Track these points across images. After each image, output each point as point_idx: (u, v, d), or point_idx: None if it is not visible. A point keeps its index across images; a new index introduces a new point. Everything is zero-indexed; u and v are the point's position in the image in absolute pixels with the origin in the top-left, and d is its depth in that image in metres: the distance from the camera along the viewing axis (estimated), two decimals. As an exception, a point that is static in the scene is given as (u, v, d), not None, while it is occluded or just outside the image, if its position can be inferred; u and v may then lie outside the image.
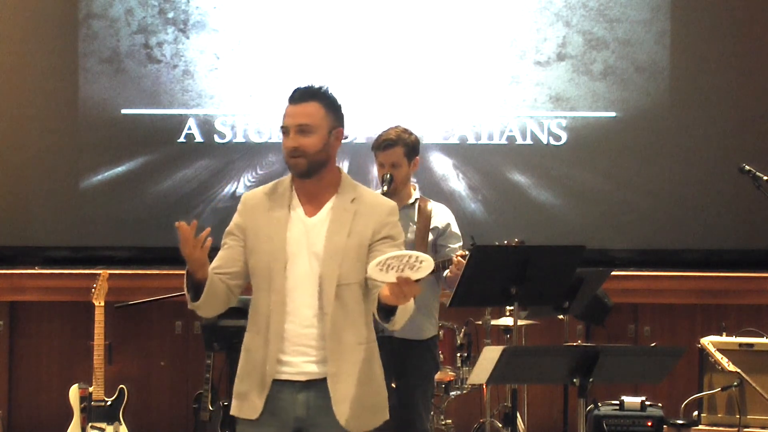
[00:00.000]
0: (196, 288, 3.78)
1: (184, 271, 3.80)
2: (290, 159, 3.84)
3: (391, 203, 3.98)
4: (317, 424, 3.80)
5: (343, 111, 3.95)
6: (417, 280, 3.50)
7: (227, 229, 3.96)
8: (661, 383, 4.83)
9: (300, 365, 3.80)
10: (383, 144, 5.46)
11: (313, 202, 3.88)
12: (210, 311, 3.90)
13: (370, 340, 3.88)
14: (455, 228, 5.60)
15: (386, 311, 3.70)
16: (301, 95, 3.87)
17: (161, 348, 7.61)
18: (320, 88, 3.89)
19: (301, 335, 3.80)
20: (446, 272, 5.43)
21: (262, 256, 3.84)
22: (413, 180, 5.72)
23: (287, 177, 3.94)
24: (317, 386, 3.80)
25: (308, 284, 3.81)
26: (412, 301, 3.69)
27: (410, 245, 5.52)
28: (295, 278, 3.81)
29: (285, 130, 3.86)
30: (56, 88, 8.08)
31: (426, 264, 3.44)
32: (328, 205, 3.88)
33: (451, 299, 5.33)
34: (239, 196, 8.67)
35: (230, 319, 6.37)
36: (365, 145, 7.89)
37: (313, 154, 3.83)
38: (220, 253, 3.92)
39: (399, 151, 5.44)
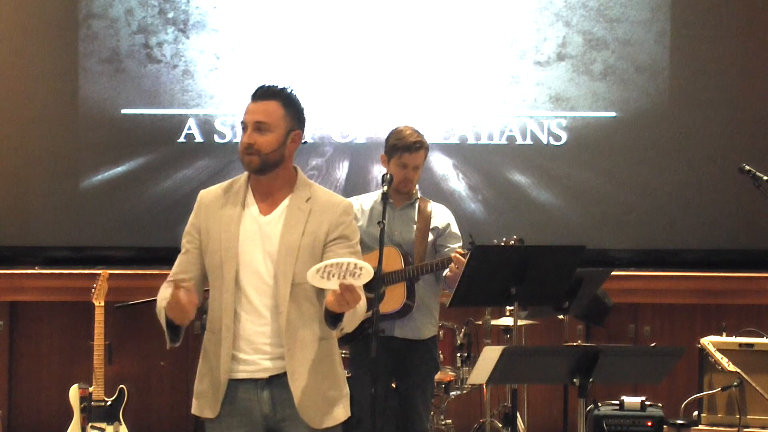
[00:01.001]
0: (175, 328, 3.80)
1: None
2: (244, 155, 3.85)
3: (345, 202, 3.96)
4: (285, 418, 3.81)
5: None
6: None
7: (185, 229, 3.96)
8: (661, 383, 4.83)
9: (258, 363, 3.80)
10: (415, 146, 5.44)
11: (267, 201, 3.88)
12: None
13: (327, 336, 3.86)
14: (455, 228, 5.61)
15: (333, 318, 3.72)
16: (263, 93, 3.89)
17: (161, 348, 7.54)
18: (284, 88, 3.89)
19: (257, 333, 3.80)
20: (446, 271, 5.43)
21: (215, 255, 3.84)
22: None
23: (244, 175, 3.94)
24: (279, 381, 3.80)
25: (262, 283, 3.81)
26: (363, 303, 3.72)
27: (410, 245, 5.53)
28: (248, 277, 3.81)
29: (243, 125, 3.88)
30: (56, 88, 8.08)
31: (366, 271, 3.48)
32: (283, 204, 3.87)
33: (451, 299, 5.33)
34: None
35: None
36: (365, 145, 7.91)
37: (266, 153, 3.82)
38: (179, 258, 3.93)
39: (423, 153, 5.48)
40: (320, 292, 3.79)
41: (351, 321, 3.76)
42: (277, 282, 3.79)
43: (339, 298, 3.55)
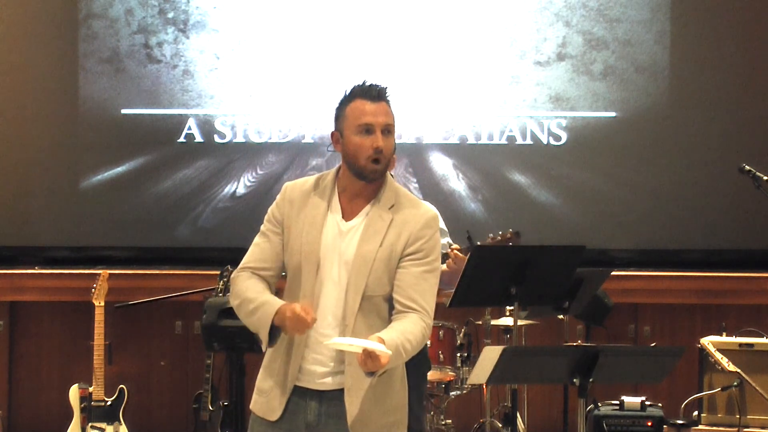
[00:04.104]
0: (275, 331, 3.65)
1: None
2: (372, 162, 3.64)
3: (429, 214, 3.73)
4: None
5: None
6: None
7: (267, 215, 3.79)
8: (661, 383, 4.83)
9: (316, 375, 3.69)
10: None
11: (352, 204, 3.71)
12: None
13: None
14: (441, 223, 5.58)
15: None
16: (380, 93, 3.67)
17: (161, 348, 7.61)
18: (385, 87, 3.71)
19: (321, 343, 3.66)
20: (443, 266, 5.41)
21: (295, 255, 3.69)
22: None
23: (330, 173, 3.76)
24: (331, 396, 3.68)
25: (334, 292, 3.67)
26: (417, 339, 3.60)
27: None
28: (322, 284, 3.67)
29: (369, 128, 3.64)
30: (56, 88, 8.08)
31: (383, 355, 3.42)
32: (365, 210, 3.69)
33: (451, 299, 5.33)
34: (239, 196, 8.70)
35: (230, 319, 6.36)
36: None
37: (389, 158, 3.68)
38: (259, 243, 3.76)
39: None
40: (391, 308, 3.68)
41: (395, 362, 3.59)
42: (348, 293, 3.65)
43: (360, 360, 3.44)
